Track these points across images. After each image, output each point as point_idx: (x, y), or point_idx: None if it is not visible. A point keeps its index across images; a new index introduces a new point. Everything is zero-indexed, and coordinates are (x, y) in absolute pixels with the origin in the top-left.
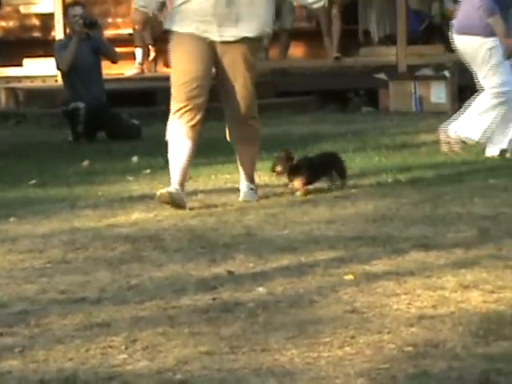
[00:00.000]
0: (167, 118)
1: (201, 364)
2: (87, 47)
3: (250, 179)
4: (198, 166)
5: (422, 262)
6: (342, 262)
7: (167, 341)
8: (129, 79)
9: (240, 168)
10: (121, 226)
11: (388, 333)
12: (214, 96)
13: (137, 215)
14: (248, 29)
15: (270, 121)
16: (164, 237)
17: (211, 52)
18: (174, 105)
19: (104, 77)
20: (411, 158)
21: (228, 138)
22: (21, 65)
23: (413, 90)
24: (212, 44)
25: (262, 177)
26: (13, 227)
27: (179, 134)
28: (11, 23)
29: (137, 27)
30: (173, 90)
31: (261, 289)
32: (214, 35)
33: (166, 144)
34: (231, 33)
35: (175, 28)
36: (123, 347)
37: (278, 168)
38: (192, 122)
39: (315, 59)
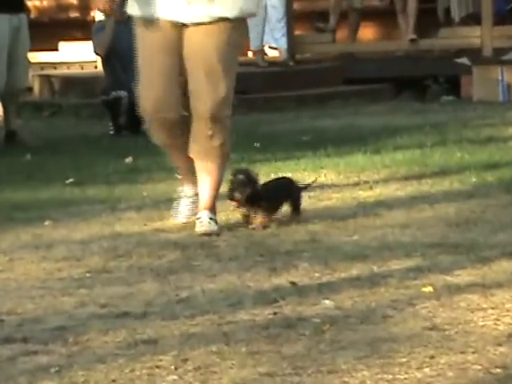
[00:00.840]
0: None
1: None
2: (127, 29)
3: (211, 206)
4: (256, 162)
5: None
6: (420, 272)
7: (222, 360)
8: None
9: (200, 189)
10: (168, 231)
11: (473, 353)
12: (263, 86)
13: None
14: (224, 7)
15: (336, 111)
16: (218, 243)
17: (180, 39)
18: (140, 107)
19: None
20: (498, 154)
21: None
22: (56, 49)
23: (499, 77)
24: (180, 28)
25: (329, 175)
26: (47, 231)
27: (154, 139)
28: (45, 2)
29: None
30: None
31: (327, 302)
32: (184, 16)
33: None
34: (203, 12)
35: (137, 12)
36: (172, 367)
37: (237, 195)
38: (162, 130)
39: (388, 42)
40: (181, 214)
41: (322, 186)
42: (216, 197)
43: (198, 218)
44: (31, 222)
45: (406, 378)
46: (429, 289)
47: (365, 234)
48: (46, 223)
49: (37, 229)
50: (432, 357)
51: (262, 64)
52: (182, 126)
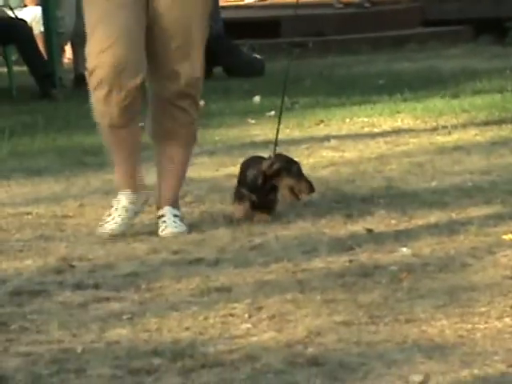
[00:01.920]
0: (293, 52)
1: (336, 336)
2: None
3: (175, 201)
4: (330, 107)
5: None
6: (500, 219)
7: (297, 309)
8: (249, 7)
9: (160, 180)
10: None
11: None
12: (338, 28)
13: None
14: None
15: (413, 54)
16: None
17: None
18: (91, 77)
19: (221, 4)
20: None
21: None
22: None
23: None
24: None
25: (406, 120)
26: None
27: (105, 121)
28: None
29: None
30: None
31: (405, 249)
32: None
33: (292, 82)
34: None
35: None
36: (246, 315)
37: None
38: (122, 104)
39: None
40: (113, 224)
41: (398, 131)
42: (180, 188)
43: (160, 217)
44: (102, 167)
45: (485, 328)
46: (509, 236)
47: (443, 180)
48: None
49: (107, 174)
50: None
51: (337, 5)
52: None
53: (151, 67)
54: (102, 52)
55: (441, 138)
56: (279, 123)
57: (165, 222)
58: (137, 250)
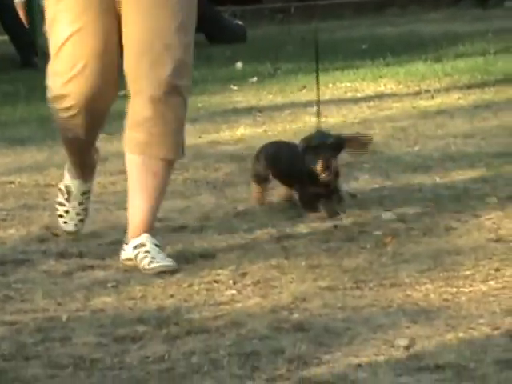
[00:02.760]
0: (275, 18)
1: (321, 301)
2: None
3: (152, 226)
4: (313, 72)
5: None
6: (484, 183)
7: (282, 275)
8: None
9: (134, 200)
10: (225, 143)
11: None
12: None
13: (243, 130)
14: None
15: (395, 18)
16: None
17: None
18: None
19: None
20: None
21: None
22: None
23: None
24: None
25: (389, 84)
26: (102, 145)
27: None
28: None
29: None
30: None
31: (389, 214)
32: None
33: (274, 48)
34: None
35: None
36: (231, 282)
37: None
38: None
39: None
40: (70, 220)
41: (381, 96)
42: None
43: (140, 246)
44: None
45: (470, 291)
46: (493, 200)
47: (426, 144)
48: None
49: None
50: (497, 269)
51: None
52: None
53: (127, 57)
54: (70, 80)
55: (424, 102)
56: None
57: (149, 252)
58: (121, 218)
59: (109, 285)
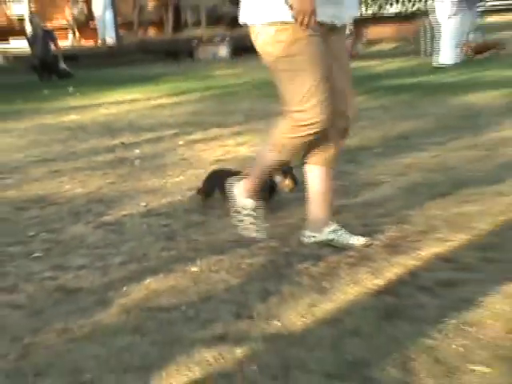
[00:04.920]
0: None
1: None
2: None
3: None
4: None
5: None
6: None
7: None
8: None
9: (326, 198)
10: None
11: None
12: None
13: None
14: (355, 7)
15: None
16: None
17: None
18: (306, 127)
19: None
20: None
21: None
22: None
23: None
24: (329, 31)
25: None
26: None
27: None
28: None
29: None
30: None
31: None
32: (341, 19)
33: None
34: (348, 14)
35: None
36: None
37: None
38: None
39: None
40: (259, 230)
41: None
42: None
43: (338, 230)
44: None
45: None
46: None
47: None
48: None
49: None
50: None
51: None
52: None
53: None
54: (322, 111)
55: None
56: None
57: (348, 232)
58: None
59: None
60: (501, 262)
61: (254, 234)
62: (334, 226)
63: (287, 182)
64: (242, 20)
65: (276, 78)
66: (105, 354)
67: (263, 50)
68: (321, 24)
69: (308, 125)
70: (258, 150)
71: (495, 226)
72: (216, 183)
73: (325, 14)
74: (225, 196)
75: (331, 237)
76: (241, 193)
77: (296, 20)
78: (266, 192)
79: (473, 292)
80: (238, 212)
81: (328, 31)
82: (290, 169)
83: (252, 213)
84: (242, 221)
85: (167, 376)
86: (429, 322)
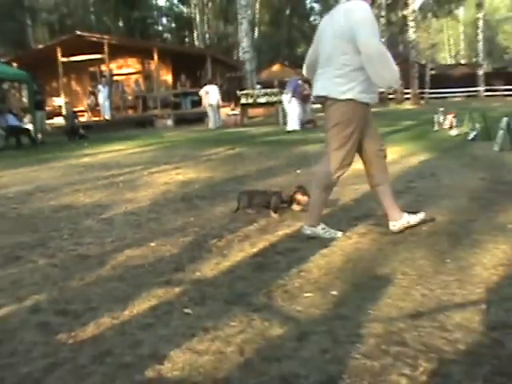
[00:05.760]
0: None
1: None
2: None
3: None
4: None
5: None
6: None
7: None
8: None
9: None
10: None
11: None
12: None
13: None
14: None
15: None
16: None
17: None
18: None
19: None
20: None
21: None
22: None
23: None
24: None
25: None
26: None
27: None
28: None
29: None
30: (346, 149)
31: None
32: (375, 100)
33: None
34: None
35: (363, 99)
36: None
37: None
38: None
39: None
40: (333, 232)
41: None
42: None
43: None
44: None
45: None
46: None
47: None
48: None
49: None
50: None
51: None
52: None
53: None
54: (350, 164)
55: None
56: None
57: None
58: None
59: None
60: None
61: (334, 235)
62: (323, 225)
63: (300, 196)
64: (320, 93)
65: (343, 134)
66: (102, 292)
67: (342, 117)
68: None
69: (337, 176)
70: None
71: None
72: (249, 199)
73: (367, 98)
74: (254, 207)
75: (322, 231)
76: (314, 225)
77: (400, 102)
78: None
79: (306, 253)
80: (324, 230)
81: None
82: (302, 186)
83: (325, 229)
84: (327, 232)
85: (137, 304)
86: (282, 271)
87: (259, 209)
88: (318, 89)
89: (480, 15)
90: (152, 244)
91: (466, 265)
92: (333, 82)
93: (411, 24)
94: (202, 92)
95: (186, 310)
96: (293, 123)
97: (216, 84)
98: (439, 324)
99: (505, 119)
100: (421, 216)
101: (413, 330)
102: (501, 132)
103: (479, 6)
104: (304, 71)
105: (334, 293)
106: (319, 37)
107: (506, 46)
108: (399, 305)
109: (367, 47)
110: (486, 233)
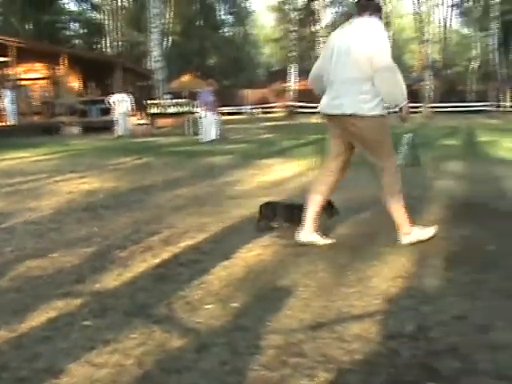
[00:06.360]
0: None
1: None
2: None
3: None
4: None
5: None
6: None
7: None
8: None
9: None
10: None
11: None
12: None
13: None
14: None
15: None
16: None
17: None
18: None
19: None
20: None
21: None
22: None
23: None
24: None
25: None
26: None
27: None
28: None
29: None
30: (392, 153)
31: None
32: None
33: None
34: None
35: (384, 112)
36: None
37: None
38: None
39: None
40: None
41: None
42: None
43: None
44: None
45: None
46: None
47: None
48: None
49: None
50: None
51: None
52: None
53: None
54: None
55: None
56: None
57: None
58: None
59: None
60: (218, 248)
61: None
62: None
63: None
64: (346, 112)
65: (387, 147)
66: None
67: (379, 133)
68: None
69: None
70: (391, 209)
71: (221, 228)
72: (273, 211)
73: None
74: (277, 219)
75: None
76: (408, 233)
77: (405, 120)
78: (329, 213)
79: (208, 265)
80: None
81: None
82: (331, 201)
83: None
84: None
85: (36, 316)
86: (183, 282)
87: (281, 222)
88: (338, 106)
89: (389, 34)
90: (53, 254)
91: (365, 277)
92: (358, 99)
93: (321, 39)
94: (111, 100)
95: (86, 322)
96: (207, 135)
97: (128, 92)
98: (338, 335)
99: (408, 135)
100: (318, 237)
101: (312, 341)
102: (405, 147)
103: (387, 25)
104: (309, 82)
105: (235, 304)
106: (331, 52)
107: (412, 64)
108: (299, 316)
109: (383, 66)
110: (387, 245)
